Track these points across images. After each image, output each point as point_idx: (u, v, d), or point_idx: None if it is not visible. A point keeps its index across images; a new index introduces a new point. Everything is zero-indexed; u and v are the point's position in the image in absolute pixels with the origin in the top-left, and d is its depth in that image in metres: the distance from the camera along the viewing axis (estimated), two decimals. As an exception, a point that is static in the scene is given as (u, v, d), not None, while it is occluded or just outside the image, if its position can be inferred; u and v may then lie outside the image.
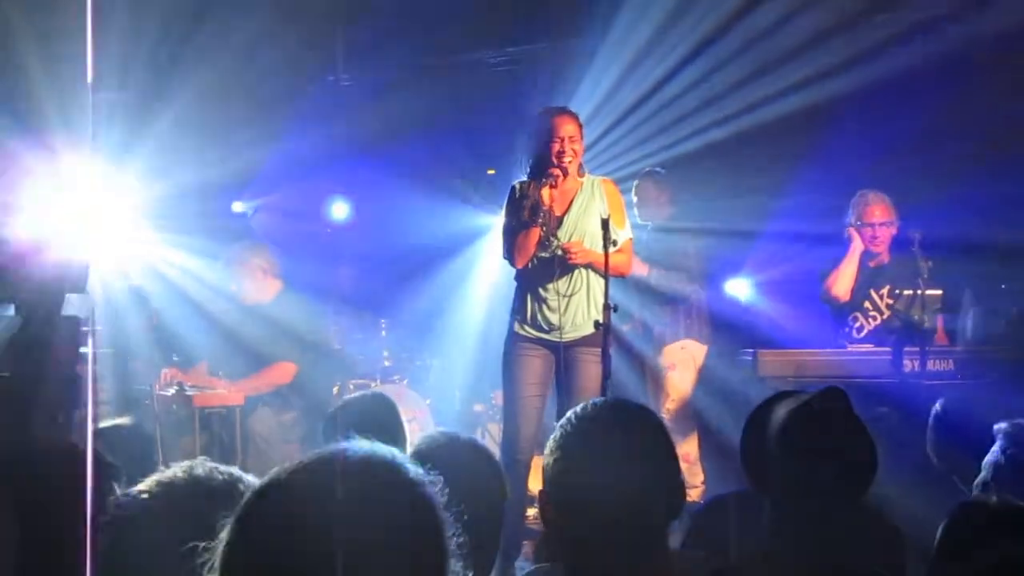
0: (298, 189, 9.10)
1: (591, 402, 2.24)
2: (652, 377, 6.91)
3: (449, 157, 8.23)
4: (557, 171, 5.31)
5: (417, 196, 8.34)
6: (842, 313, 6.22)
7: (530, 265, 5.42)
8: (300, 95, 7.93)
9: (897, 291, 6.04)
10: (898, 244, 6.14)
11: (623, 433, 2.15)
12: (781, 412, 2.50)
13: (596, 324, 5.12)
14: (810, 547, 2.41)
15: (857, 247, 6.17)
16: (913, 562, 2.82)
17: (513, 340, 5.48)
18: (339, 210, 9.56)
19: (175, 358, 6.98)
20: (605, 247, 5.06)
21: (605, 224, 5.08)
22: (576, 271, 5.36)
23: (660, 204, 6.99)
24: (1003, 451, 3.39)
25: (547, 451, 2.19)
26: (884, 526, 2.90)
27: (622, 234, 5.42)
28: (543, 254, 5.38)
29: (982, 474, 3.44)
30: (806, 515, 2.44)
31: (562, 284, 5.34)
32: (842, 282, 6.16)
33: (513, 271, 5.51)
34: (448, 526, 1.31)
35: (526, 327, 5.43)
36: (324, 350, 7.11)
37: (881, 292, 6.15)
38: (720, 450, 5.76)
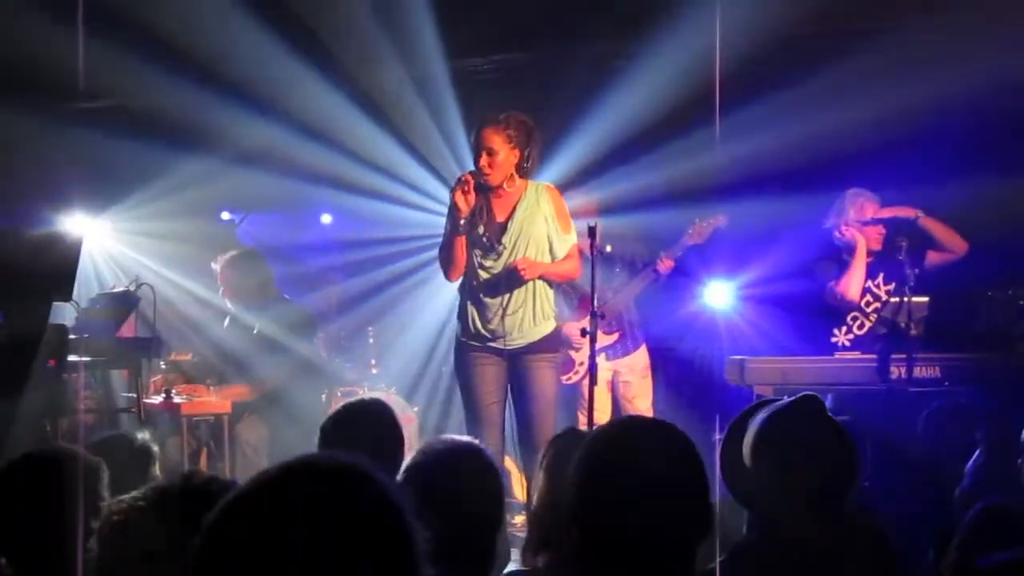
0: (286, 197, 9.10)
1: (618, 420, 2.21)
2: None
3: (433, 165, 8.21)
4: (467, 176, 5.29)
5: (401, 203, 8.32)
6: (840, 315, 6.20)
7: (478, 277, 5.38)
8: (287, 102, 7.91)
9: (890, 278, 6.05)
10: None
11: (659, 454, 2.12)
12: (756, 423, 2.51)
13: (583, 332, 5.12)
14: (791, 554, 2.42)
15: (863, 247, 6.10)
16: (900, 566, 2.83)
17: (462, 351, 5.45)
18: (328, 218, 9.59)
19: (163, 365, 6.97)
20: (592, 251, 5.08)
21: (592, 232, 5.09)
22: (522, 283, 5.32)
23: (588, 211, 6.87)
24: (984, 458, 3.41)
25: (574, 470, 2.15)
26: (871, 531, 2.91)
27: (568, 239, 5.42)
28: (490, 263, 5.37)
29: (964, 481, 3.46)
30: (785, 523, 2.45)
31: (507, 296, 5.31)
32: (855, 284, 6.08)
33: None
34: (419, 535, 1.31)
35: (472, 337, 5.40)
36: (311, 358, 7.10)
37: (877, 282, 6.14)
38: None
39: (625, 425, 2.17)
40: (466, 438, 2.99)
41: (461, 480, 2.63)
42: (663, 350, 7.22)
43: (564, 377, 6.46)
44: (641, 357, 6.89)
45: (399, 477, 2.71)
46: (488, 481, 2.73)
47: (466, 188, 5.26)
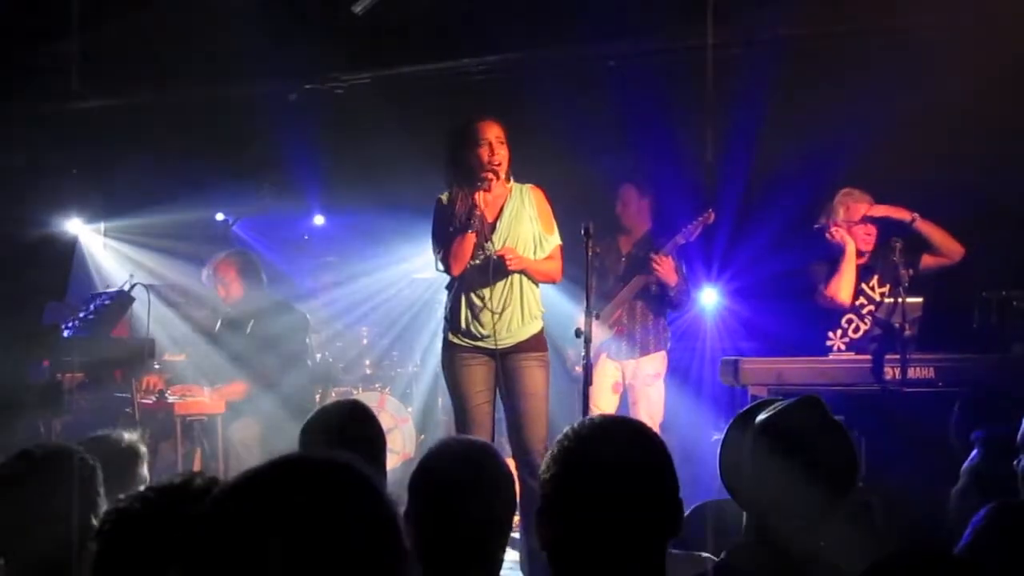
0: (280, 198, 9.11)
1: (589, 419, 2.23)
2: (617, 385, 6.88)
3: (426, 165, 8.22)
4: (490, 174, 5.23)
5: (395, 203, 8.31)
6: (835, 317, 6.19)
7: (464, 273, 5.34)
8: (276, 103, 7.91)
9: (885, 279, 6.04)
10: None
11: (626, 451, 2.13)
12: (757, 424, 2.50)
13: (577, 332, 5.12)
14: (788, 557, 2.41)
15: (852, 250, 6.08)
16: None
17: (451, 351, 5.39)
18: (320, 219, 9.59)
19: (156, 365, 6.96)
20: (586, 251, 5.08)
21: (587, 230, 5.09)
22: (509, 278, 5.30)
23: (641, 212, 6.95)
24: (981, 459, 3.40)
25: (543, 468, 2.18)
26: (869, 531, 2.91)
27: (551, 240, 5.40)
28: (476, 261, 5.32)
29: (961, 481, 3.45)
30: (785, 525, 2.44)
31: (495, 291, 5.27)
32: (845, 288, 6.06)
33: (446, 280, 5.48)
34: (401, 531, 1.32)
35: (460, 336, 5.35)
36: (304, 358, 7.09)
37: (871, 283, 6.12)
38: (695, 460, 5.76)
39: (591, 424, 2.20)
40: (481, 439, 2.99)
41: (477, 481, 2.64)
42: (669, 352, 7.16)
43: (577, 368, 6.53)
44: (649, 364, 6.82)
45: (413, 475, 2.71)
46: (503, 483, 2.74)
47: (488, 188, 5.26)
